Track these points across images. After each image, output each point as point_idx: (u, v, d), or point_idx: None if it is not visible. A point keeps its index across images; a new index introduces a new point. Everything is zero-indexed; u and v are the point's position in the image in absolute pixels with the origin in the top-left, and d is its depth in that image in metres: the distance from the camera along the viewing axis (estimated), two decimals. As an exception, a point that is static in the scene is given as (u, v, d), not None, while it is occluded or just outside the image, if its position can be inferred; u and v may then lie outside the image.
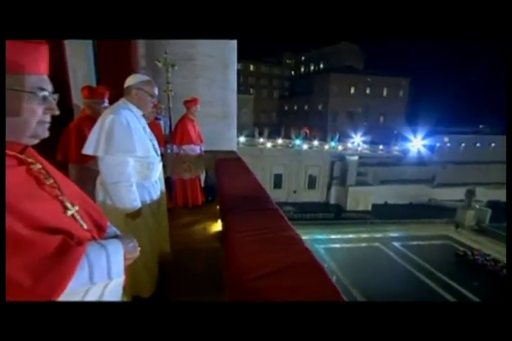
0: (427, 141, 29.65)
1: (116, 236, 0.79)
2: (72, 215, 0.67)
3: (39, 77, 0.59)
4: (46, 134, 0.64)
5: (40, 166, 0.65)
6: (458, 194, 23.81)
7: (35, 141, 0.63)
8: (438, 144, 29.54)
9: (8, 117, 0.56)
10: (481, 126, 35.63)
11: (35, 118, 0.60)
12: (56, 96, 0.65)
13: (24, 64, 0.56)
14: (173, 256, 2.12)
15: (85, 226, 0.69)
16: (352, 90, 37.52)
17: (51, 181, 0.65)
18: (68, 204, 0.66)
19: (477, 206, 20.54)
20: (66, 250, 0.57)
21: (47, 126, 0.64)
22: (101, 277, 0.64)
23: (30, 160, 0.63)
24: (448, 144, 29.82)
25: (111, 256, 0.67)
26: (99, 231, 0.76)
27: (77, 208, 0.68)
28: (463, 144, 29.86)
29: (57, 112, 0.65)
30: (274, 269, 1.03)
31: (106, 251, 0.67)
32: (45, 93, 0.60)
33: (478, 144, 29.45)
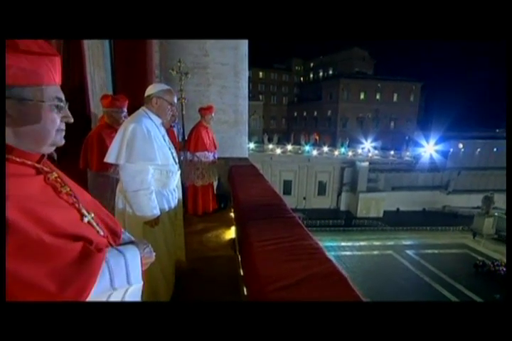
0: (439, 147, 28.99)
1: (131, 242, 0.79)
2: (89, 222, 0.67)
3: (55, 87, 0.62)
4: (63, 142, 0.66)
5: (56, 175, 0.66)
6: (474, 201, 23.02)
7: (52, 149, 0.65)
8: (451, 149, 28.81)
9: (28, 127, 0.57)
10: (497, 131, 34.30)
11: (55, 126, 0.62)
12: (67, 104, 0.67)
13: (43, 76, 0.58)
14: (188, 264, 2.11)
15: (102, 233, 0.70)
16: (362, 96, 37.29)
17: (67, 189, 0.66)
18: (84, 211, 0.67)
19: (496, 213, 19.71)
20: (88, 256, 0.57)
21: (63, 133, 0.66)
22: (121, 282, 0.65)
23: (46, 169, 0.64)
24: (462, 149, 29.03)
25: (129, 261, 0.67)
26: (115, 238, 0.76)
27: (92, 215, 0.69)
28: (478, 149, 28.97)
29: (71, 120, 0.67)
30: (296, 279, 1.01)
31: (124, 257, 0.67)
32: (61, 102, 0.63)
33: (495, 149, 28.51)
